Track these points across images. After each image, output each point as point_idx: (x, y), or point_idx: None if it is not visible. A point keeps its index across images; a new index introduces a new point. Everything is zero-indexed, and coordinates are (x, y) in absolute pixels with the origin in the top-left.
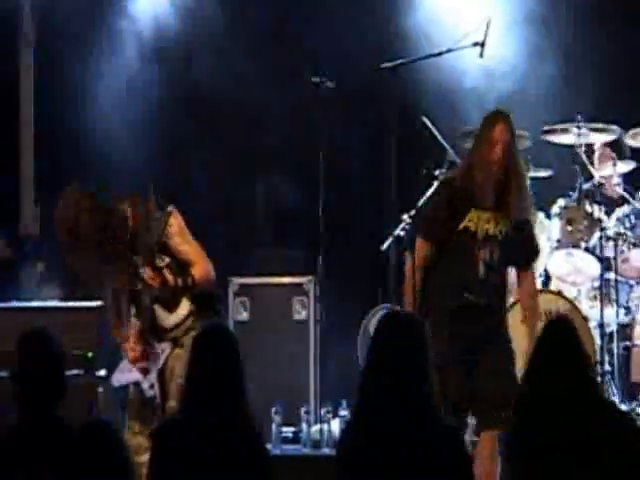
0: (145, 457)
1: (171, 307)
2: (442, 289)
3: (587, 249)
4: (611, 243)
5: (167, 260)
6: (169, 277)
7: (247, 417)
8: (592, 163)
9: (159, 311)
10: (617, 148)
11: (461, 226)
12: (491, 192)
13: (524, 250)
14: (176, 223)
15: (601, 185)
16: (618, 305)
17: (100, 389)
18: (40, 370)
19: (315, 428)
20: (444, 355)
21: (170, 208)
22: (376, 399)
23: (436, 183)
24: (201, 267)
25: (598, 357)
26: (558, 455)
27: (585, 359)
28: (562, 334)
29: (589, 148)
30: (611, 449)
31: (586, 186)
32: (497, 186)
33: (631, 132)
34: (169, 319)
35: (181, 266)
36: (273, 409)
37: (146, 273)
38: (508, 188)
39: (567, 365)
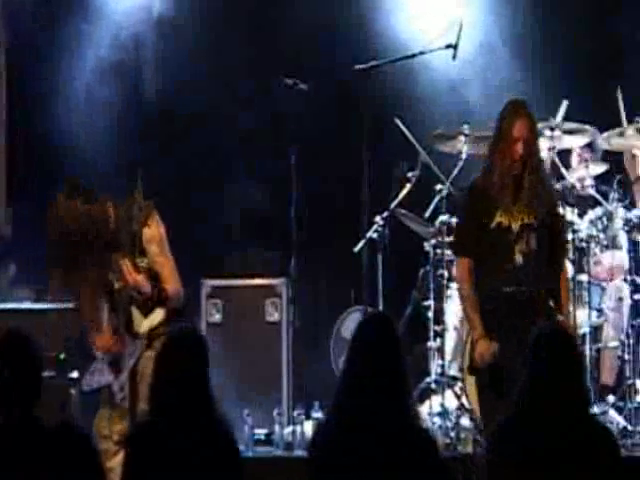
0: (113, 462)
1: (146, 312)
2: (485, 287)
3: None
4: (583, 245)
5: (145, 262)
6: (145, 284)
7: (217, 419)
8: (565, 165)
9: (135, 313)
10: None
11: (494, 224)
12: (512, 189)
13: (562, 247)
14: (157, 230)
15: (574, 187)
16: (590, 307)
17: (72, 391)
18: (20, 371)
19: (288, 430)
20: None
21: (152, 210)
22: (353, 401)
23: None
24: (173, 286)
25: None
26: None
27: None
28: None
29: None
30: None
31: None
32: (517, 182)
33: (605, 134)
34: (143, 324)
35: (154, 278)
36: (245, 411)
37: (126, 265)
38: (526, 183)
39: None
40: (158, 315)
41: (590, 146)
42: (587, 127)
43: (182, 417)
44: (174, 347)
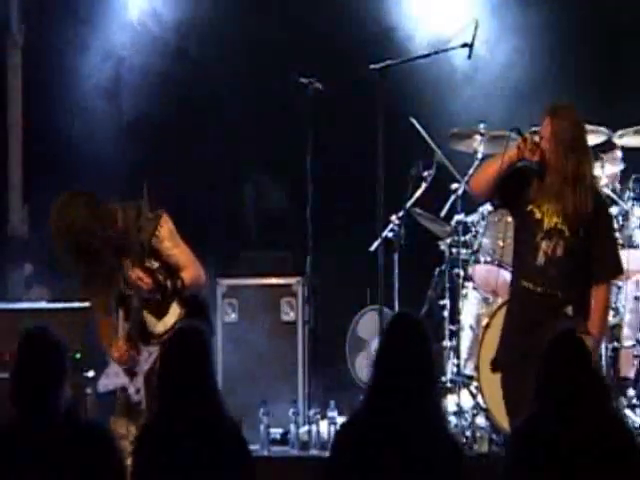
0: (129, 461)
1: (160, 313)
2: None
3: None
4: None
5: (157, 265)
6: (160, 280)
7: (223, 417)
8: None
9: (148, 317)
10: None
11: (528, 208)
12: (551, 188)
13: (601, 264)
14: (166, 227)
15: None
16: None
17: (88, 390)
18: (47, 370)
19: (303, 429)
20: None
21: (160, 212)
22: (383, 401)
23: None
24: (191, 271)
25: None
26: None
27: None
28: (572, 350)
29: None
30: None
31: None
32: (558, 183)
33: (619, 133)
34: (158, 326)
35: (171, 270)
36: (261, 410)
37: (137, 274)
38: (555, 184)
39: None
40: (172, 316)
41: (603, 145)
42: (601, 128)
43: (187, 416)
44: (174, 345)
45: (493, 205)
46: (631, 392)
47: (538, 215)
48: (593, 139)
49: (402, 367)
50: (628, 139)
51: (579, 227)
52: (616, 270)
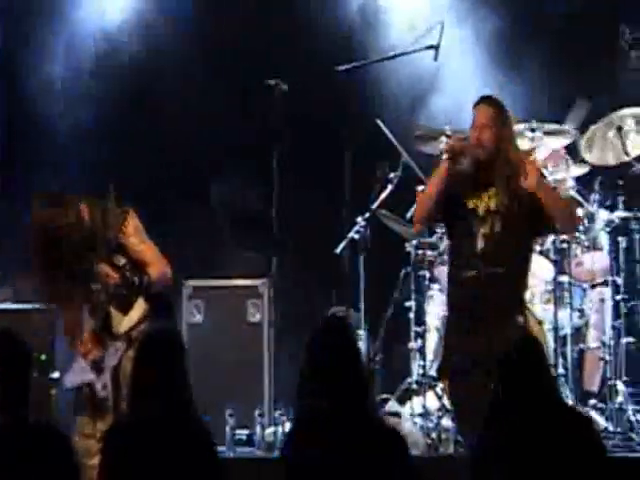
0: (95, 460)
1: (126, 309)
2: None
3: (541, 252)
4: (564, 246)
5: (123, 261)
6: (126, 275)
7: (194, 418)
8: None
9: (114, 313)
10: (572, 151)
11: (461, 203)
12: (483, 173)
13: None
14: (133, 223)
15: (554, 188)
16: (572, 308)
17: (53, 391)
18: (11, 372)
19: (269, 430)
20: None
21: (127, 208)
22: (313, 401)
23: None
24: (157, 267)
25: (552, 360)
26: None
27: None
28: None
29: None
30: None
31: None
32: (487, 167)
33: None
34: (123, 321)
35: (137, 267)
36: (227, 411)
37: (103, 270)
38: (495, 169)
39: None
40: (137, 311)
41: (569, 147)
42: (567, 128)
43: (158, 417)
44: (148, 347)
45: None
46: (593, 399)
47: (471, 205)
48: (560, 141)
49: (330, 369)
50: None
51: (512, 203)
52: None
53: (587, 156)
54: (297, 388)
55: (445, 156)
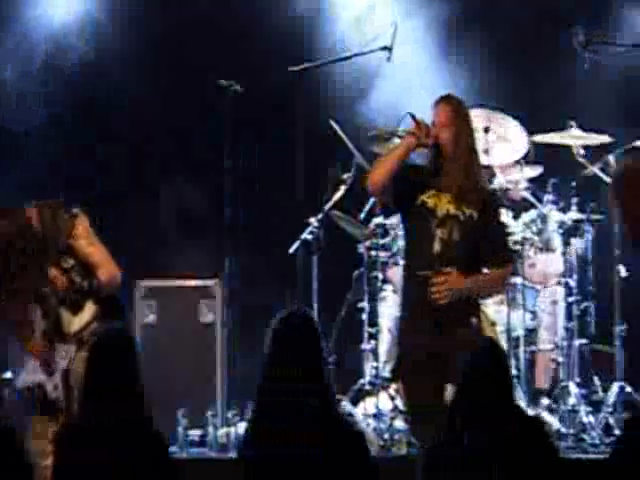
0: (48, 461)
1: (76, 310)
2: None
3: None
4: (518, 248)
5: (72, 262)
6: (75, 279)
7: (146, 418)
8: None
9: (64, 314)
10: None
11: (419, 201)
12: (443, 175)
13: (492, 252)
14: (82, 226)
15: (507, 190)
16: (525, 310)
17: (5, 391)
18: None
19: (222, 431)
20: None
21: (76, 210)
22: (274, 399)
23: None
24: (107, 270)
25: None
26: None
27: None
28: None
29: None
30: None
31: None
32: (444, 168)
33: (535, 138)
34: (74, 323)
35: (87, 269)
36: (179, 412)
37: (52, 273)
38: (450, 170)
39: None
40: (87, 313)
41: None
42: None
43: (111, 418)
44: (101, 349)
45: (382, 204)
46: (545, 401)
47: (431, 204)
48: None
49: (293, 363)
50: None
51: (472, 211)
52: (504, 258)
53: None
54: (258, 385)
55: (412, 130)
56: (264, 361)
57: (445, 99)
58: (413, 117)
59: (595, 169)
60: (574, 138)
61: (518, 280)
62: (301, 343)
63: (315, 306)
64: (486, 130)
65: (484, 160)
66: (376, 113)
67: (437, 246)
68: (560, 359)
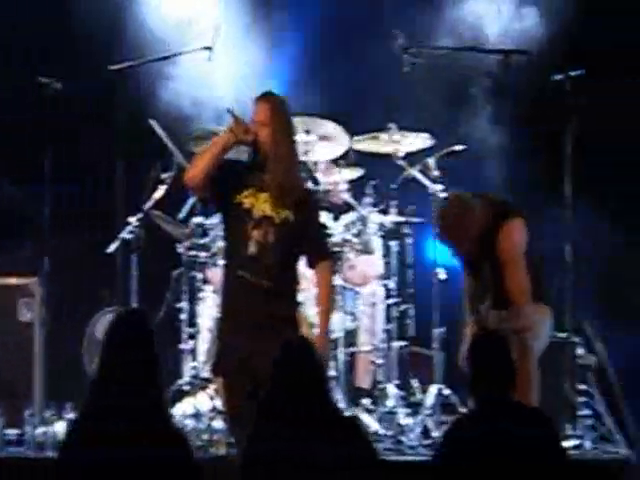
0: None
1: None
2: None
3: None
4: (337, 249)
5: None
6: None
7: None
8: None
9: None
10: (344, 154)
11: (237, 199)
12: (261, 175)
13: (312, 248)
14: None
15: (328, 191)
16: (345, 312)
17: None
18: None
19: (39, 430)
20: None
21: None
22: (102, 400)
23: None
24: None
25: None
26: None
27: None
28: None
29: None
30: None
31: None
32: (263, 167)
33: (355, 138)
34: None
35: None
36: None
37: None
38: (270, 169)
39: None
40: None
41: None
42: (342, 134)
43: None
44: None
45: (202, 201)
46: (365, 401)
47: (247, 205)
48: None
49: (126, 363)
50: (365, 145)
51: (289, 213)
52: (326, 252)
53: None
54: (90, 385)
55: (230, 127)
56: (98, 361)
57: (264, 97)
58: (232, 113)
59: (414, 172)
60: (392, 143)
61: (338, 282)
62: (135, 344)
63: (134, 305)
64: (307, 132)
65: (304, 159)
66: (199, 112)
67: (253, 248)
68: (379, 361)
